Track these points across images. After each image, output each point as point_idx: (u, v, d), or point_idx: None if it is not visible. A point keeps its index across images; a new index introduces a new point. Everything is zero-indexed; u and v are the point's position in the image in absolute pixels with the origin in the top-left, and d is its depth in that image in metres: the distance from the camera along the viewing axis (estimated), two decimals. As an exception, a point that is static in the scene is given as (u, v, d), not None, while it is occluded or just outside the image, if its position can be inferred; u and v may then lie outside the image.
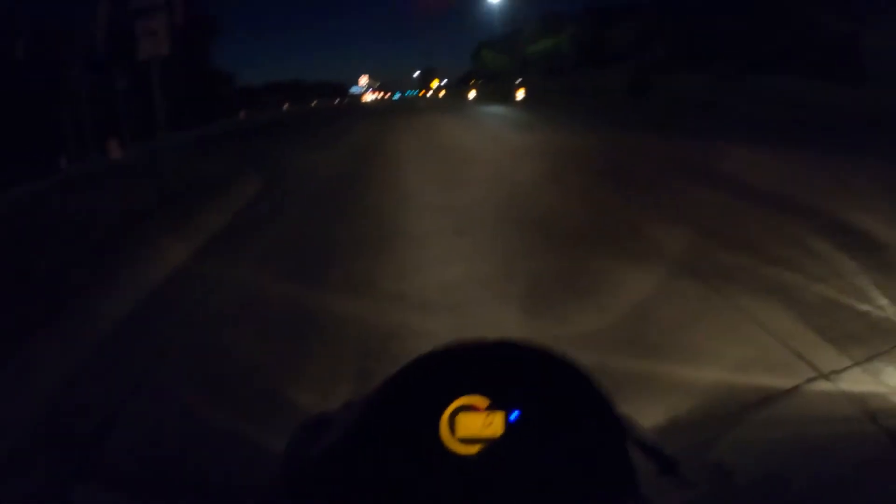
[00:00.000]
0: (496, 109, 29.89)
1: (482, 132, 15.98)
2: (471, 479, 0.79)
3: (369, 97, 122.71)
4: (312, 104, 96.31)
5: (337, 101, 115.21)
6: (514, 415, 0.80)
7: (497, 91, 51.46)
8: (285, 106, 79.49)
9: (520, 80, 41.20)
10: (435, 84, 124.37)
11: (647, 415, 2.32)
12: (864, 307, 3.48)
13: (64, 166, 15.01)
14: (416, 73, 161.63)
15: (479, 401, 0.79)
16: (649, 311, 3.41)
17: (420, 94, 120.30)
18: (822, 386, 2.64)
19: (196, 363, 3.18)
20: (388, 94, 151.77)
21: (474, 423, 0.79)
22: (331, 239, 5.46)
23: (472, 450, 0.78)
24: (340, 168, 10.26)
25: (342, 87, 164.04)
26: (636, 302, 3.53)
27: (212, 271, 4.79)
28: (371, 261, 4.67)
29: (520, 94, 37.08)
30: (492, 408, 0.79)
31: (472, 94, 56.42)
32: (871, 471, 2.18)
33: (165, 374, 3.09)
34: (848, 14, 49.28)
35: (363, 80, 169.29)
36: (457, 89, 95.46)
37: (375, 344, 3.16)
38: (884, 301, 3.59)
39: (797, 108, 24.23)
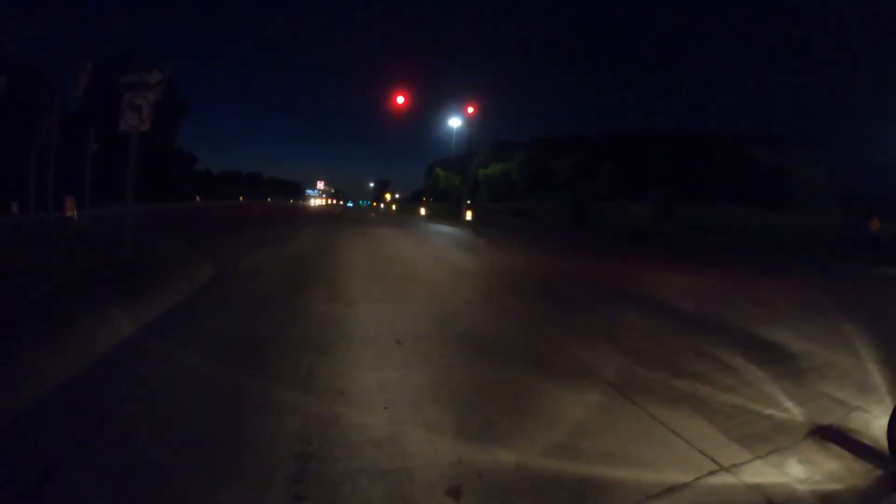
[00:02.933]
0: (444, 228, 31.13)
1: (429, 250, 16.69)
2: None
3: (320, 202, 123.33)
4: (267, 200, 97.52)
5: (291, 200, 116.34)
6: None
7: (447, 210, 53.30)
8: (240, 198, 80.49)
9: (468, 202, 43.02)
10: (388, 197, 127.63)
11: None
12: (770, 411, 4.21)
13: (14, 212, 14.75)
14: (372, 185, 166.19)
15: None
16: (565, 419, 3.86)
17: (373, 205, 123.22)
18: (723, 478, 3.13)
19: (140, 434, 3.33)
20: (342, 201, 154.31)
21: None
22: (278, 336, 5.73)
23: None
24: (290, 271, 10.62)
25: (298, 188, 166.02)
26: (554, 410, 4.00)
27: (158, 347, 4.94)
28: (315, 358, 5.01)
29: (468, 215, 38.71)
30: None
31: (422, 211, 58.24)
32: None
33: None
34: (775, 149, 53.97)
35: (320, 184, 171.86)
36: (409, 204, 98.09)
37: (315, 429, 3.48)
38: (789, 404, 4.36)
39: (725, 233, 26.30)
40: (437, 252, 16.18)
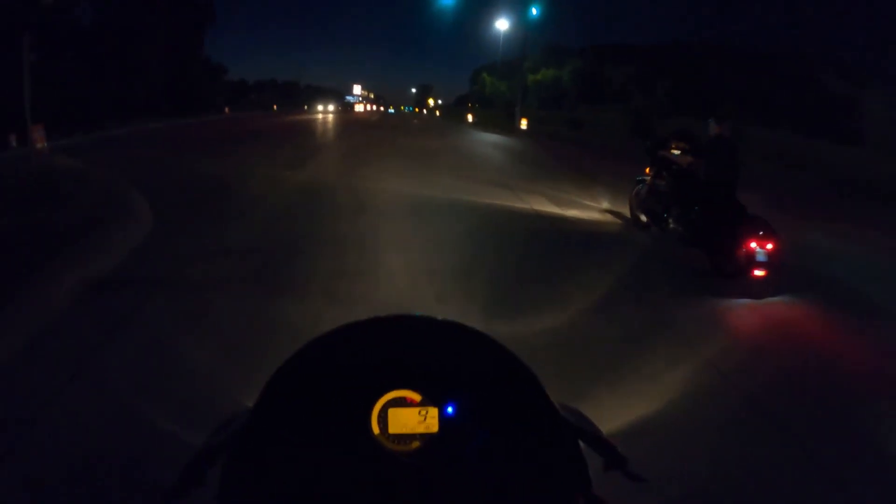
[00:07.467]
0: (498, 139, 28.39)
1: (497, 176, 13.38)
2: (410, 478, 0.75)
3: (359, 108, 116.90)
4: (304, 108, 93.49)
5: (330, 107, 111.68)
6: (450, 410, 0.77)
7: (495, 117, 50.07)
8: (274, 107, 76.63)
9: (519, 108, 39.60)
10: (431, 103, 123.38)
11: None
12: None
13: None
14: (413, 90, 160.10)
15: (412, 395, 0.76)
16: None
17: (415, 111, 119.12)
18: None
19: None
20: (382, 107, 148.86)
21: (408, 419, 0.76)
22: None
23: (409, 447, 0.76)
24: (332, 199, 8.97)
25: (337, 93, 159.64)
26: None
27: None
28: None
29: (523, 124, 35.46)
30: (424, 403, 0.76)
31: (469, 118, 55.19)
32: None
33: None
34: (848, 78, 49.82)
35: (357, 89, 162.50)
36: (453, 110, 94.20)
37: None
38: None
39: (788, 162, 23.37)
40: (507, 180, 12.56)
